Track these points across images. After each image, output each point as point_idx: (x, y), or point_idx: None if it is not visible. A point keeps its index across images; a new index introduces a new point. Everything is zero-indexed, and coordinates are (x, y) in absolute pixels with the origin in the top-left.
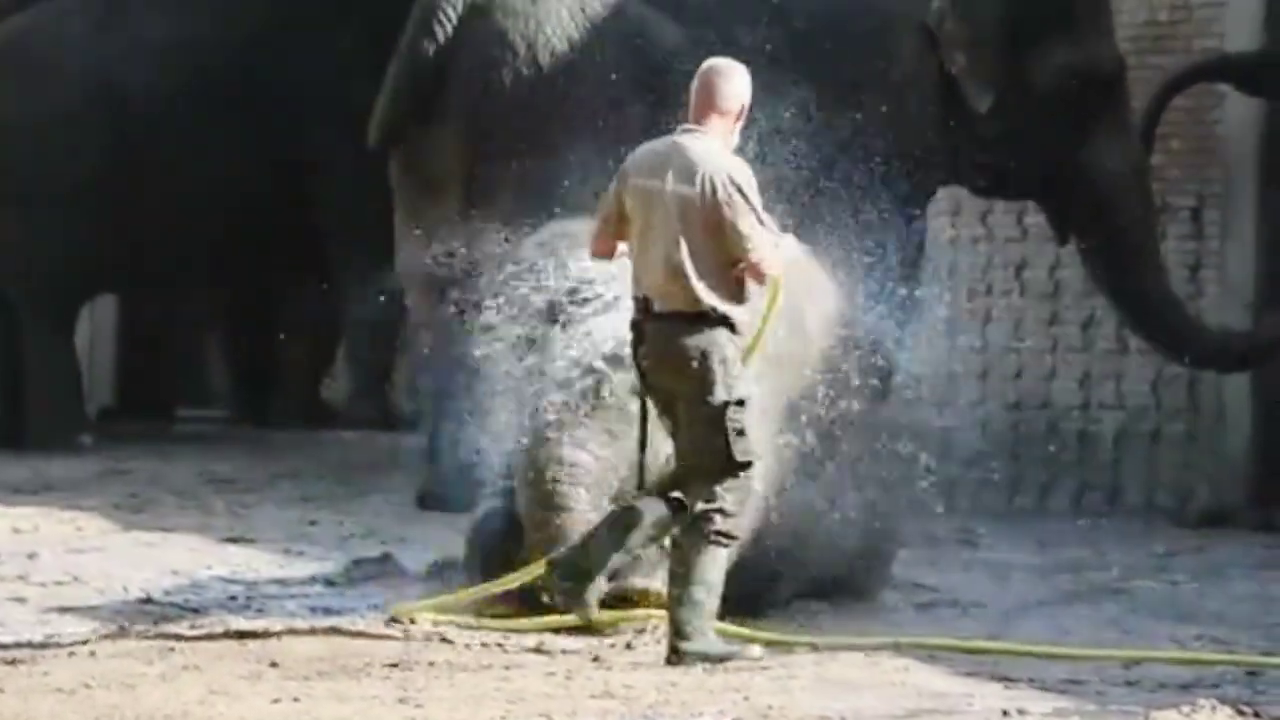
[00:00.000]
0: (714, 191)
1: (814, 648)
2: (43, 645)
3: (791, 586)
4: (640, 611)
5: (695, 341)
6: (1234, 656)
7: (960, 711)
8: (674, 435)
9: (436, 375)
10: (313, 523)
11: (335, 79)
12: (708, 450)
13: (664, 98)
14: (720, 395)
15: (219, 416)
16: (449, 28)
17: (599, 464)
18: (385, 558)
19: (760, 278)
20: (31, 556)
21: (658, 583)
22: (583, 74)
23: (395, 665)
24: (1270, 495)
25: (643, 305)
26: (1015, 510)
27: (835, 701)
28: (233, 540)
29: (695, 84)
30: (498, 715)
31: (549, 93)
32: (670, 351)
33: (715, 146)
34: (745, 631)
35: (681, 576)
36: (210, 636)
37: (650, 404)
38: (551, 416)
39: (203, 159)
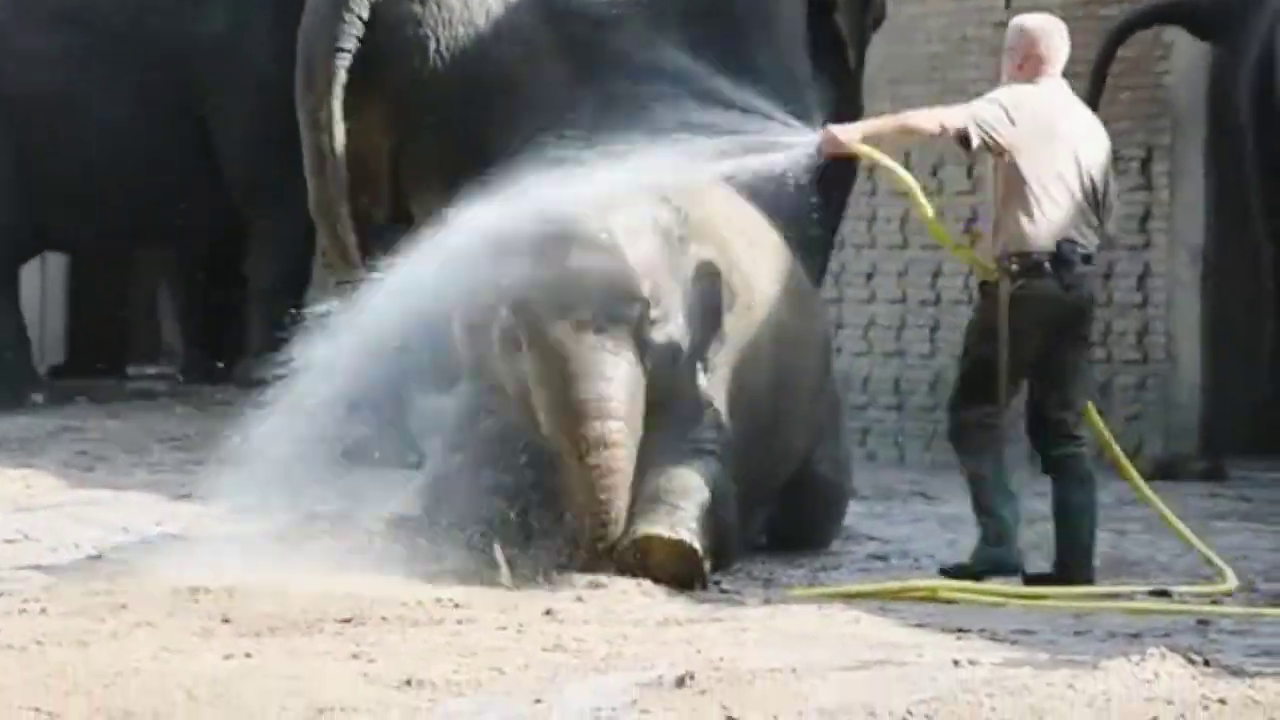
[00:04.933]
0: (1109, 154)
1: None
2: None
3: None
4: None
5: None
6: (1183, 606)
7: (911, 662)
8: (1052, 378)
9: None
10: (263, 479)
11: (231, 33)
12: (1088, 385)
13: (584, 62)
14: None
15: (170, 374)
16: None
17: (632, 399)
18: (337, 514)
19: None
20: None
21: (664, 529)
22: (504, 44)
23: (348, 621)
24: (1221, 445)
25: (1069, 248)
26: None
27: (787, 653)
28: (183, 497)
29: (1061, 40)
30: (450, 669)
31: (472, 65)
32: (1093, 289)
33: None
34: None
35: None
36: (162, 593)
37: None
38: (574, 355)
39: (106, 117)
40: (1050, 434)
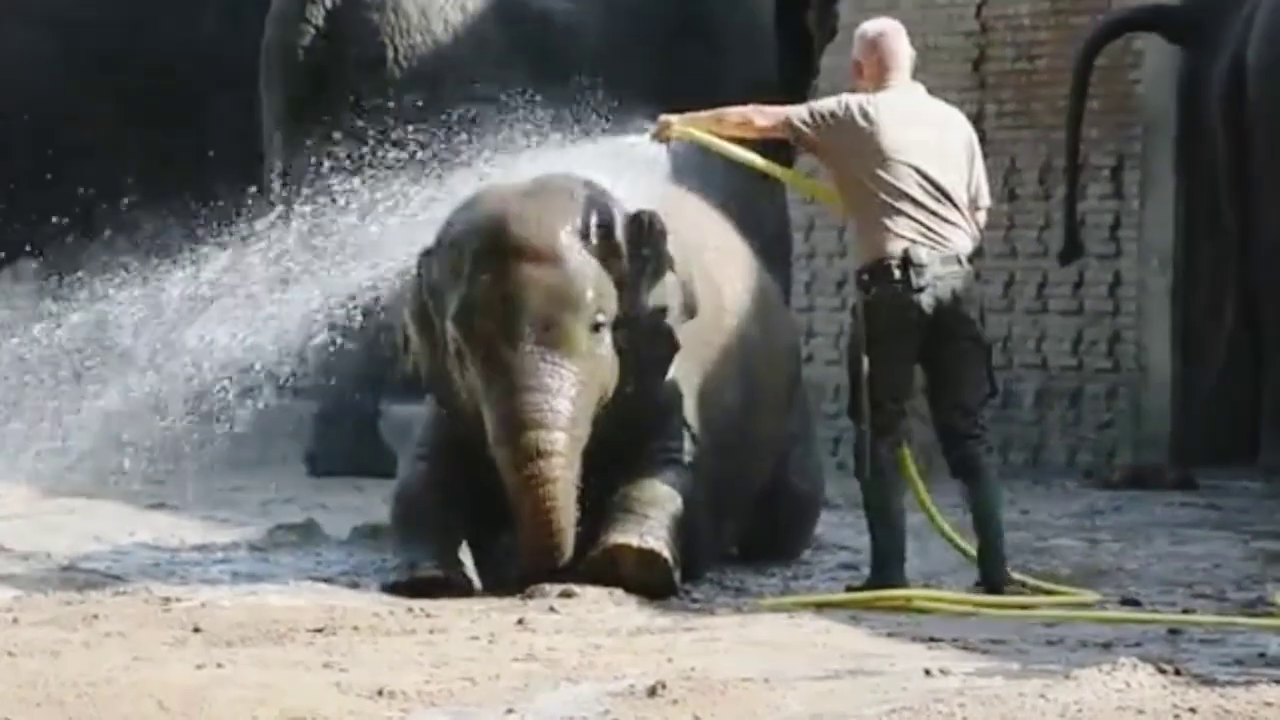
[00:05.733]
0: (971, 143)
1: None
2: None
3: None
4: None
5: (972, 281)
6: (1155, 615)
7: (882, 672)
8: (939, 381)
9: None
10: (235, 489)
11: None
12: (979, 387)
13: (544, 62)
14: (984, 333)
15: None
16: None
17: (574, 409)
18: (308, 524)
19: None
20: None
21: (633, 538)
22: (467, 47)
23: (319, 630)
24: (1190, 455)
25: (920, 251)
26: (937, 470)
27: (758, 663)
28: (155, 507)
29: (899, 43)
30: (422, 679)
31: (437, 68)
32: (961, 292)
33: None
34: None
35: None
36: (134, 603)
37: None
38: (515, 368)
39: (88, 131)
40: (947, 437)
